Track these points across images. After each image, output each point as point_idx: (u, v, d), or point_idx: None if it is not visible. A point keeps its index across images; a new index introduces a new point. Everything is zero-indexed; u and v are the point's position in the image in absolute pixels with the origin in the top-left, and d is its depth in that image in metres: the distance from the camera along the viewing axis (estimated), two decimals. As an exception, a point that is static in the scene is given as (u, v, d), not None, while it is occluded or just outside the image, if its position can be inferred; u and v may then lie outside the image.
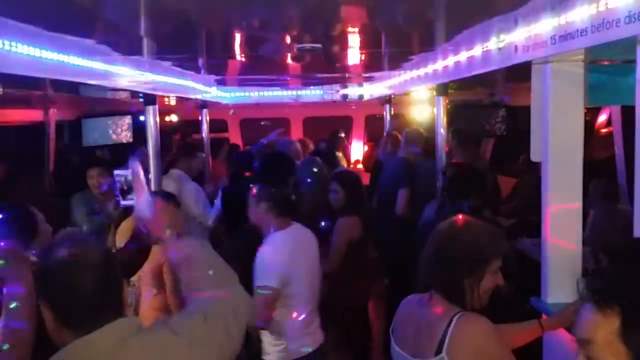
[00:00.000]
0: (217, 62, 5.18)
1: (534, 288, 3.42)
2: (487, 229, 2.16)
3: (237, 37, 3.93)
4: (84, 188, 4.92)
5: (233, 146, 8.56)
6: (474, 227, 2.16)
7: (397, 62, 5.42)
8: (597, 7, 2.23)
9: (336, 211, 4.55)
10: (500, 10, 3.06)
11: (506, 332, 2.34)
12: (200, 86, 6.56)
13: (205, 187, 5.91)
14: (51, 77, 3.38)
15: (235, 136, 9.67)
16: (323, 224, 4.56)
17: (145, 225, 2.21)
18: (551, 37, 2.64)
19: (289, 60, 4.95)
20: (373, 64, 5.70)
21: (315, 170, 5.15)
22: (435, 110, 5.07)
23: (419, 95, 7.63)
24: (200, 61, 5.02)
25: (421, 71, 5.18)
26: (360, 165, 9.27)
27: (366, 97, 8.43)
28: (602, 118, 6.49)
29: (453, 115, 5.80)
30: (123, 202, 3.81)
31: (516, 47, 3.02)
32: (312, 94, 8.30)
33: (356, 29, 3.73)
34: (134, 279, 3.00)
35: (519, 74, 3.75)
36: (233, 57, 4.82)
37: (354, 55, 4.95)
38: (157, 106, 4.55)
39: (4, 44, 2.66)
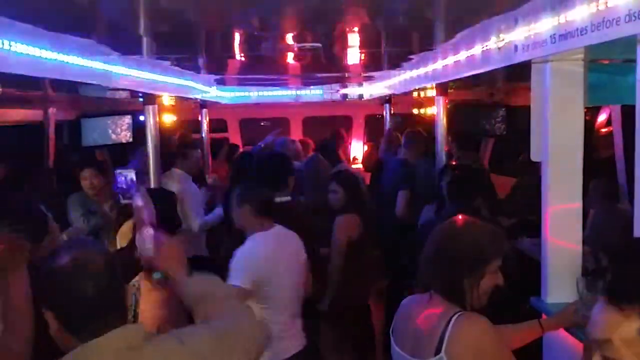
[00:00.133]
0: (216, 61, 5.18)
1: (534, 288, 3.42)
2: (487, 229, 2.16)
3: (237, 36, 3.93)
4: (81, 188, 4.91)
5: (233, 146, 8.55)
6: (474, 227, 2.16)
7: (396, 61, 5.42)
8: (597, 6, 2.23)
9: (336, 211, 4.55)
10: (500, 10, 3.06)
11: (506, 332, 2.33)
12: (199, 86, 6.56)
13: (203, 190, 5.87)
14: (51, 77, 3.37)
15: (234, 136, 9.66)
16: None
17: (149, 263, 2.13)
18: (551, 36, 2.63)
19: (289, 60, 4.95)
20: (373, 64, 5.70)
21: (316, 169, 5.14)
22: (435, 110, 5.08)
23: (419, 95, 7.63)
24: (200, 61, 5.02)
25: (421, 71, 5.17)
26: (359, 165, 9.25)
27: (366, 97, 8.43)
28: (602, 118, 6.47)
29: (453, 115, 5.79)
30: (123, 201, 3.81)
31: (516, 46, 3.02)
32: (312, 93, 8.30)
33: (356, 29, 3.73)
34: (134, 279, 3.00)
35: (518, 73, 3.75)
36: (233, 56, 4.82)
37: (354, 55, 4.94)
38: (157, 106, 4.55)
39: (3, 44, 2.66)
